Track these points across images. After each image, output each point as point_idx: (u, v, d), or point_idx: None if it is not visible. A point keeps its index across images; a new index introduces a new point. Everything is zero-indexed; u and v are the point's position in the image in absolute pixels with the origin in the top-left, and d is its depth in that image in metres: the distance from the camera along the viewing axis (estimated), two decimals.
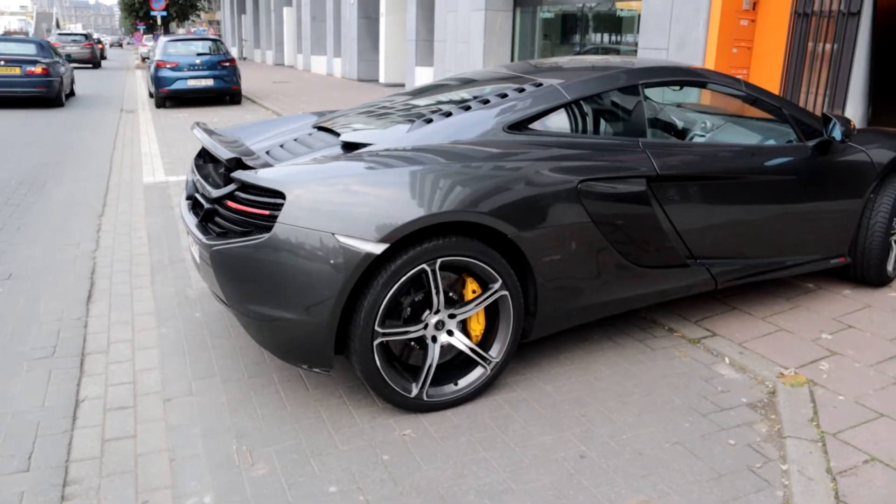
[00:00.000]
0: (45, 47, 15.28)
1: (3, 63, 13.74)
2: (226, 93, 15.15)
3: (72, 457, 2.59)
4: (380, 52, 21.16)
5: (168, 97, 14.71)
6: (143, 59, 29.72)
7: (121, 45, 63.19)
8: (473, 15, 13.94)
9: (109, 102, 16.15)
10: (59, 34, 27.55)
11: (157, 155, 9.04)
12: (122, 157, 8.95)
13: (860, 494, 2.41)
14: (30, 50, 14.75)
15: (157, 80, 14.50)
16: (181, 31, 49.74)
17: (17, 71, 13.93)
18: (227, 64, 15.06)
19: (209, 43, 15.58)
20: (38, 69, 14.07)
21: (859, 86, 7.71)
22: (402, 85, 19.32)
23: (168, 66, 14.51)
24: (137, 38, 38.56)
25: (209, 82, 14.75)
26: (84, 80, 23.25)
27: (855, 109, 7.77)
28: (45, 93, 14.11)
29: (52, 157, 8.84)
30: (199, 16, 53.33)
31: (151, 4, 30.18)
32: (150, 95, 16.14)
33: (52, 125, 11.94)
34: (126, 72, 26.72)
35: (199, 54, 14.91)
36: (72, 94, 17.22)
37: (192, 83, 14.60)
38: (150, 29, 40.00)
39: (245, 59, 41.16)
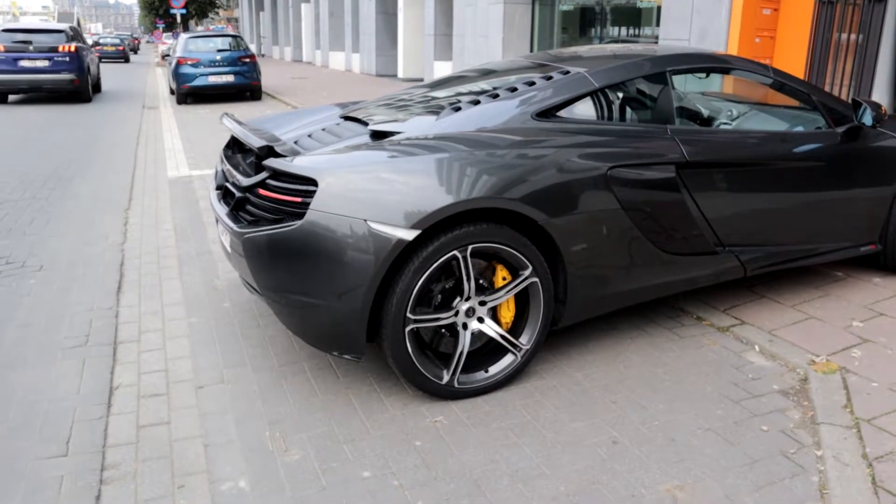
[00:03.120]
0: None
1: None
2: (246, 89, 15.24)
3: (108, 442, 2.63)
4: (398, 47, 21.17)
5: (189, 93, 14.82)
6: (163, 57, 29.96)
7: (134, 51, 50.10)
8: (492, 8, 13.90)
9: (131, 99, 16.29)
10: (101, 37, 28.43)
11: (180, 150, 9.11)
12: (146, 152, 9.03)
13: None
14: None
15: (179, 77, 14.62)
16: (199, 28, 50.03)
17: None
18: (248, 60, 15.15)
19: (229, 39, 15.67)
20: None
21: (885, 75, 7.60)
22: (421, 80, 19.32)
23: (189, 62, 14.62)
24: (157, 35, 38.86)
25: (230, 78, 14.84)
26: (107, 78, 23.49)
27: (881, 98, 7.66)
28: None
29: (77, 153, 8.95)
30: (217, 13, 53.64)
31: (171, 2, 30.40)
32: (171, 92, 16.27)
33: (75, 122, 12.08)
34: (146, 68, 27.00)
35: (219, 51, 15.00)
36: (98, 89, 16.84)
37: (212, 79, 14.70)
38: (170, 27, 40.29)
39: (263, 55, 41.35)
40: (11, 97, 14.21)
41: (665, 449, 2.58)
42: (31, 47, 14.48)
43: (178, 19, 34.41)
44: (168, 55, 27.27)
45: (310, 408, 2.85)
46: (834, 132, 3.74)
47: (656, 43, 10.28)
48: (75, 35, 15.57)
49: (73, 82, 14.64)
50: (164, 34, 37.63)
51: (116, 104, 15.25)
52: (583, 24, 13.18)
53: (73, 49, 14.57)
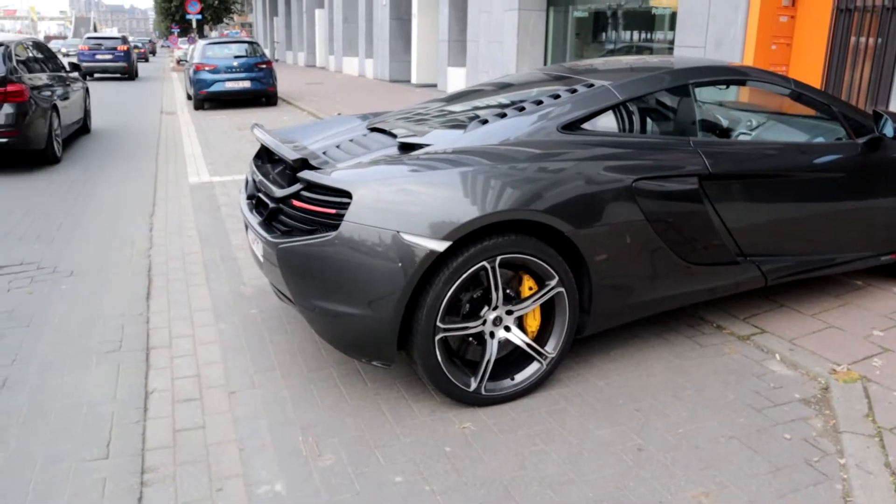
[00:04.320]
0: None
1: None
2: (262, 94, 15.39)
3: (147, 446, 2.71)
4: (412, 52, 21.27)
5: (206, 99, 14.99)
6: (179, 62, 30.21)
7: (146, 58, 45.49)
8: (507, 15, 13.97)
9: (148, 105, 16.48)
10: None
11: (199, 156, 9.23)
12: (167, 158, 9.16)
13: None
14: None
15: (196, 83, 14.79)
16: (214, 33, 50.43)
17: None
18: (264, 66, 15.30)
19: (246, 45, 15.83)
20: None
21: None
22: (435, 85, 19.41)
23: (206, 68, 14.79)
24: (172, 40, 39.21)
25: (246, 84, 15.00)
26: (121, 87, 23.75)
27: None
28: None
29: (98, 159, 9.07)
30: (232, 19, 54.01)
31: (187, 8, 30.65)
32: (188, 97, 16.44)
33: (95, 127, 12.23)
34: (161, 83, 27.27)
35: (236, 57, 15.16)
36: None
37: (229, 85, 14.86)
38: (185, 32, 40.63)
39: (277, 60, 41.61)
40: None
41: (690, 456, 2.63)
42: (102, 46, 26.22)
43: (194, 24, 34.68)
44: (183, 60, 27.51)
45: (340, 413, 2.92)
46: (855, 143, 3.78)
47: (671, 50, 10.32)
48: (125, 40, 27.52)
49: (125, 68, 26.23)
50: (180, 39, 37.94)
51: (134, 110, 15.42)
52: (597, 30, 13.23)
53: (126, 48, 26.51)
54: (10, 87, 7.60)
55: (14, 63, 7.92)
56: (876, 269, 4.40)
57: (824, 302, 4.05)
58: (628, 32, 12.39)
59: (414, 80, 21.10)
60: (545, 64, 13.87)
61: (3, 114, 7.57)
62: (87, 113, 11.21)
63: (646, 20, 11.95)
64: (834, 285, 4.29)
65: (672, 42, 9.96)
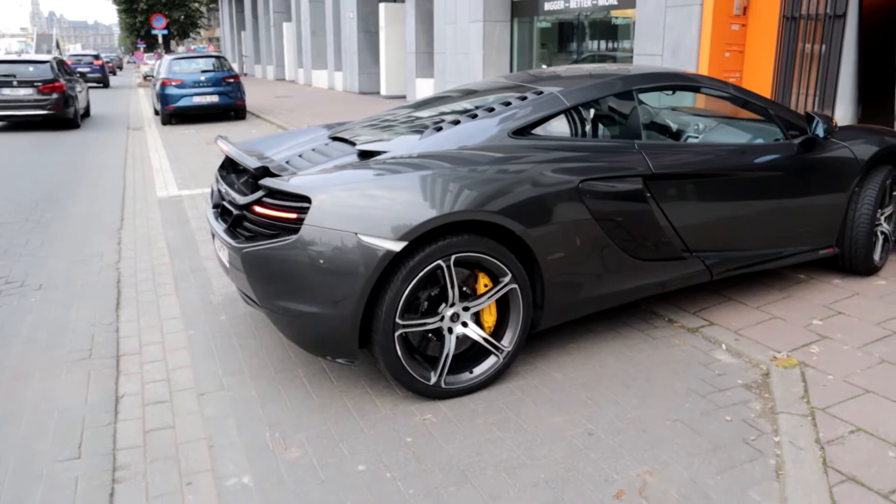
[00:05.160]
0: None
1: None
2: (231, 108, 15.45)
3: (118, 446, 2.81)
4: (380, 65, 21.46)
5: (174, 114, 15.01)
6: (146, 77, 30.09)
7: (113, 72, 46.02)
8: (472, 26, 14.22)
9: (115, 121, 16.44)
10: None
11: (167, 170, 9.29)
12: (134, 173, 9.20)
13: (846, 460, 2.62)
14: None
15: (163, 98, 14.80)
16: (181, 48, 50.21)
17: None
18: (232, 80, 15.36)
19: (213, 60, 15.89)
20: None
21: (848, 86, 7.95)
22: (404, 97, 19.60)
23: (173, 83, 14.81)
24: (139, 56, 38.98)
25: (214, 98, 15.05)
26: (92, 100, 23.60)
27: (845, 109, 8.00)
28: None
29: (66, 175, 9.10)
30: (199, 33, 53.79)
31: (152, 23, 30.58)
32: (156, 113, 16.43)
33: (62, 144, 12.21)
34: (129, 90, 27.37)
35: (203, 71, 15.21)
36: (87, 114, 17.38)
37: (197, 100, 14.89)
38: (151, 47, 40.43)
39: (246, 74, 41.55)
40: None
41: (637, 439, 2.80)
42: (82, 61, 32.43)
43: (160, 40, 34.56)
44: (150, 76, 27.43)
45: (307, 410, 3.05)
46: (791, 144, 4.01)
47: (632, 58, 10.61)
48: (98, 56, 33.69)
49: (100, 77, 32.73)
50: (146, 54, 37.75)
51: (101, 126, 15.38)
52: (561, 39, 13.54)
53: (101, 62, 33.57)
54: (56, 84, 14.23)
55: (57, 70, 14.73)
56: (819, 263, 4.64)
57: (769, 295, 4.27)
58: (591, 42, 12.70)
59: (383, 91, 21.27)
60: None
61: (53, 98, 14.11)
62: (88, 103, 17.40)
63: (607, 30, 12.27)
64: (779, 279, 4.51)
65: (632, 50, 10.25)
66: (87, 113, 17.09)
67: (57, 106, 14.06)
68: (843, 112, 7.95)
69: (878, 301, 4.12)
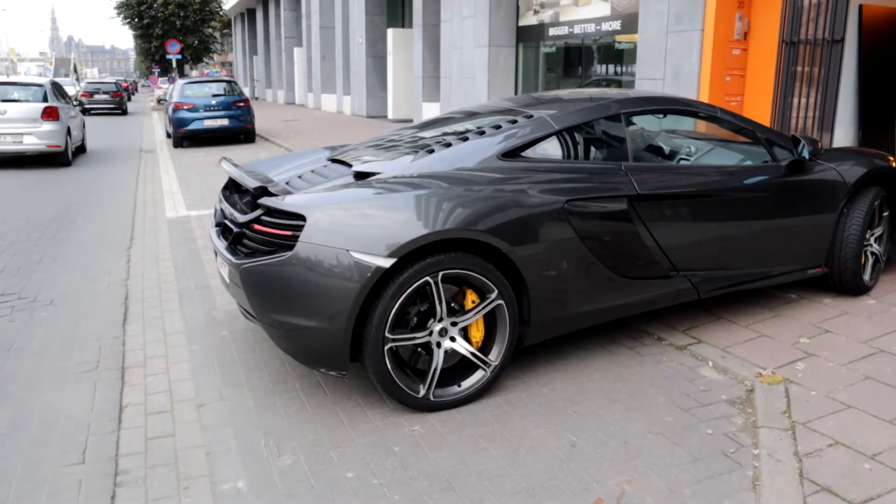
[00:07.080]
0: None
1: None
2: (240, 132, 15.73)
3: (120, 452, 2.93)
4: (388, 89, 21.77)
5: (185, 137, 15.31)
6: (159, 101, 30.62)
7: (128, 96, 42.34)
8: (477, 51, 14.47)
9: (129, 144, 16.76)
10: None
11: (177, 192, 9.49)
12: (145, 194, 9.41)
13: (822, 472, 2.70)
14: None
15: (175, 121, 15.11)
16: (195, 73, 51.03)
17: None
18: (242, 104, 15.66)
19: (224, 84, 16.21)
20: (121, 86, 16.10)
21: (848, 109, 8.06)
22: (411, 120, 19.86)
23: (185, 107, 15.12)
24: (153, 80, 39.68)
25: (224, 122, 15.34)
26: (107, 124, 24.03)
27: (845, 132, 8.11)
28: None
29: (79, 196, 9.32)
30: (212, 58, 54.67)
31: (167, 48, 31.14)
32: (168, 136, 16.74)
33: (76, 166, 12.47)
34: (142, 116, 27.99)
35: (214, 95, 15.54)
36: (83, 149, 14.93)
37: (208, 123, 15.19)
38: (165, 72, 41.14)
39: (257, 98, 42.16)
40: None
41: (618, 450, 2.89)
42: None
43: (174, 64, 35.19)
44: (163, 99, 27.93)
45: (300, 420, 3.16)
46: (778, 165, 4.12)
47: (634, 82, 10.77)
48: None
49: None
50: (160, 78, 38.41)
51: (115, 149, 15.67)
52: (566, 64, 13.73)
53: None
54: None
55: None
56: (810, 283, 4.73)
57: (758, 314, 4.35)
58: (595, 66, 12.88)
59: (391, 115, 21.56)
60: None
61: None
62: (84, 136, 14.96)
63: (611, 54, 12.45)
64: (769, 298, 4.60)
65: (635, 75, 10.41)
66: (82, 147, 14.76)
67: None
68: (843, 135, 8.05)
69: (867, 320, 4.20)
